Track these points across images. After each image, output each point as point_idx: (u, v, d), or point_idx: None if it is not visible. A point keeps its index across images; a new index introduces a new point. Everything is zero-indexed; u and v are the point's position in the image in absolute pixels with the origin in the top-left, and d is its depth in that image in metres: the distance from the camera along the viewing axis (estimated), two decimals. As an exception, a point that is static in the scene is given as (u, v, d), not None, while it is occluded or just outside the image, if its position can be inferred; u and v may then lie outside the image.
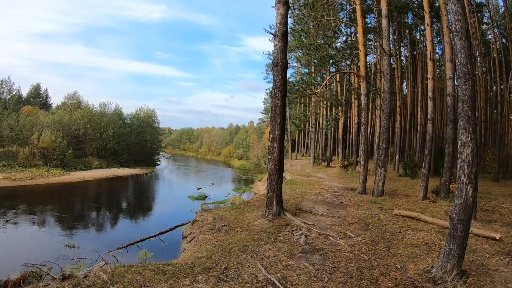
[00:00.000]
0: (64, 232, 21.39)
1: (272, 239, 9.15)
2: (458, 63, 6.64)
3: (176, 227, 16.98)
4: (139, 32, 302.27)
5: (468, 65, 6.54)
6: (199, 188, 44.04)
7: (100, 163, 54.68)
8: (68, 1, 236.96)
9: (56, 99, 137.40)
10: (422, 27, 32.97)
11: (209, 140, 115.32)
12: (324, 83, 17.43)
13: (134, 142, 63.70)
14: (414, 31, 34.15)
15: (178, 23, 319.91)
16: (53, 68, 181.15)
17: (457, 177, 6.67)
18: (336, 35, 19.81)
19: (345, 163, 31.64)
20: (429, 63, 16.78)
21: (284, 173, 32.55)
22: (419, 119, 33.03)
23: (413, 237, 9.86)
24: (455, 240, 6.59)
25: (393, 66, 29.20)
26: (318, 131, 42.02)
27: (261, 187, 33.61)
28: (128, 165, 59.62)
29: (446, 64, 16.76)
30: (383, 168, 16.88)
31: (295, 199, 14.98)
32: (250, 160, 73.44)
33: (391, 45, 19.27)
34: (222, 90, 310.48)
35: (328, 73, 26.88)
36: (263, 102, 65.13)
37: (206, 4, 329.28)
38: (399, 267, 7.40)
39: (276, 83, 11.09)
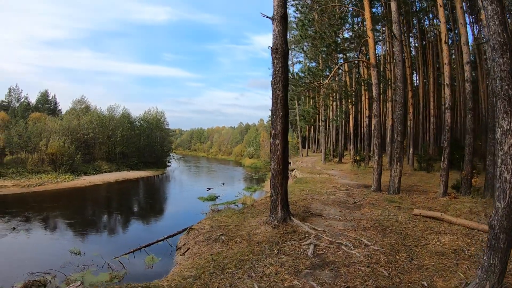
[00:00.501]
0: (72, 237, 20.87)
1: (275, 251, 7.93)
2: (491, 32, 5.32)
3: (184, 230, 14.95)
4: (145, 35, 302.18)
5: (504, 34, 5.22)
6: (210, 189, 43.32)
7: (109, 167, 54.15)
8: (74, 6, 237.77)
9: (65, 105, 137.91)
10: (430, 15, 31.48)
11: (219, 140, 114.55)
12: (332, 74, 16.11)
13: (144, 144, 63.03)
14: (422, 21, 32.55)
15: (184, 24, 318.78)
16: (61, 74, 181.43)
17: (498, 174, 5.31)
18: (342, 21, 18.44)
19: (357, 158, 30.26)
20: (444, 47, 15.32)
21: (294, 171, 31.38)
22: (431, 110, 31.49)
23: (438, 243, 8.56)
24: (496, 252, 5.26)
25: (403, 55, 27.72)
26: (329, 126, 40.63)
27: None
28: (138, 167, 59.00)
29: (462, 48, 15.39)
30: (399, 163, 15.53)
31: (304, 201, 13.71)
32: (261, 159, 72.33)
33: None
34: (231, 89, 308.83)
35: (336, 63, 25.42)
36: (271, 98, 63.68)
37: (211, 4, 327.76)
38: (426, 285, 6.11)
39: (276, 72, 9.83)
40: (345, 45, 22.51)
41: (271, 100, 10.03)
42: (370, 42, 16.48)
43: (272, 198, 10.06)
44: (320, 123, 40.45)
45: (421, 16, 32.00)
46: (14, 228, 21.95)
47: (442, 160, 15.20)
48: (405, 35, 31.24)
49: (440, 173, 15.33)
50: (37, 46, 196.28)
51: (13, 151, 46.67)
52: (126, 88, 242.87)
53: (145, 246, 14.42)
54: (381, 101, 33.65)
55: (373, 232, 9.41)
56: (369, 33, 16.52)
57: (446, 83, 14.95)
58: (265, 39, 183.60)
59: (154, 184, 52.02)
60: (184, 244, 10.33)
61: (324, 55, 26.49)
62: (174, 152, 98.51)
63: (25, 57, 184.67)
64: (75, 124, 52.72)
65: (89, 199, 36.92)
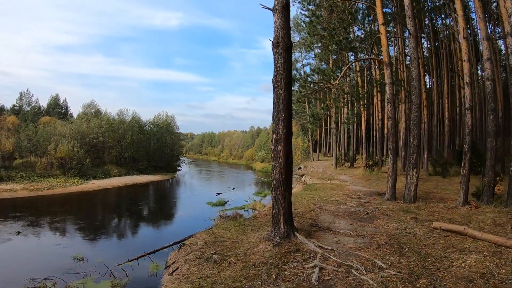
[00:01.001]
0: (77, 242, 20.39)
1: (274, 275, 6.80)
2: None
3: (191, 236, 14.81)
4: (157, 40, 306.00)
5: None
6: (219, 193, 42.67)
7: (119, 171, 53.84)
8: (86, 13, 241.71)
9: (77, 109, 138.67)
10: (443, 15, 30.14)
11: (230, 144, 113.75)
12: (342, 73, 14.83)
13: (153, 148, 62.62)
14: (435, 20, 31.20)
15: (196, 29, 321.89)
16: (74, 79, 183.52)
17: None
18: (352, 17, 17.23)
19: (370, 163, 28.85)
20: (463, 43, 13.93)
21: (304, 177, 30.14)
22: (446, 113, 30.10)
23: (463, 264, 7.35)
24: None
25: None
26: (340, 129, 39.32)
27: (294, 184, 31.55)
28: (148, 171, 58.52)
29: (482, 43, 14.13)
30: (415, 170, 14.26)
31: (312, 212, 12.51)
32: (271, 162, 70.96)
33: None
34: (242, 93, 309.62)
35: (346, 62, 24.10)
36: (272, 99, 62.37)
37: (222, 9, 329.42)
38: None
39: (278, 69, 8.69)
40: (356, 43, 21.15)
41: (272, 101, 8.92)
42: (383, 39, 15.24)
43: (273, 211, 8.91)
44: (332, 126, 39.14)
45: (433, 16, 30.72)
46: (19, 232, 21.76)
47: (463, 166, 13.87)
48: (418, 35, 29.94)
49: (460, 180, 14.02)
50: (50, 52, 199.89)
51: (23, 154, 46.67)
52: (138, 92, 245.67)
53: (149, 253, 14.06)
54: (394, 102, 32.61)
55: (388, 251, 8.20)
56: (381, 29, 15.28)
57: (466, 82, 13.61)
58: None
59: (163, 189, 51.32)
60: (174, 262, 9.26)
61: (334, 55, 25.28)
62: (185, 156, 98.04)
63: (39, 62, 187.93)
64: (84, 128, 52.66)
65: (97, 203, 36.60)
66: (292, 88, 16.31)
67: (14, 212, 29.06)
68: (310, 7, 19.79)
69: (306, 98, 22.24)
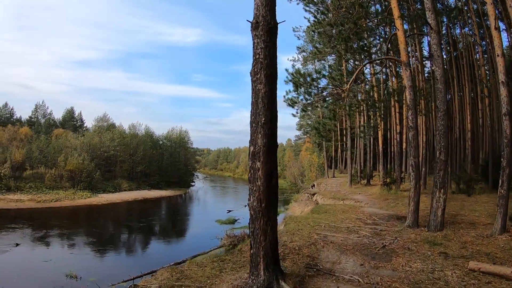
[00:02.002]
0: (73, 258, 20.20)
1: None
2: None
3: (152, 272, 14.01)
4: (176, 56, 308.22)
5: None
6: (230, 211, 40.83)
7: (129, 185, 52.55)
8: (106, 29, 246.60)
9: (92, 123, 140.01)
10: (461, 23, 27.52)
11: (246, 160, 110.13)
12: (354, 76, 12.21)
13: (166, 163, 61.02)
14: (453, 30, 28.59)
15: (214, 45, 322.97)
16: (94, 94, 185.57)
17: None
18: (363, 10, 14.71)
19: (387, 180, 25.78)
20: (495, 34, 11.06)
21: (315, 196, 27.25)
22: (468, 124, 27.07)
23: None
24: None
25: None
26: (356, 144, 36.49)
27: (296, 208, 29.08)
28: (160, 187, 57.03)
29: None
30: (442, 190, 11.48)
31: (312, 246, 9.70)
32: (286, 179, 68.21)
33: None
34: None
35: (359, 63, 21.28)
36: (293, 114, 60.13)
37: (240, 25, 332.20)
38: None
39: (257, 56, 6.25)
40: (369, 42, 18.71)
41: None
42: (400, 35, 12.68)
43: (251, 251, 6.33)
44: (346, 139, 36.04)
45: (451, 26, 28.34)
46: (17, 244, 21.79)
47: (500, 184, 10.95)
48: (440, 30, 27.55)
49: (497, 201, 11.13)
50: (70, 66, 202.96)
51: (33, 165, 46.15)
52: (157, 108, 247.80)
53: (147, 274, 13.08)
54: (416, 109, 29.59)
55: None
56: (398, 24, 12.75)
57: (502, 81, 10.78)
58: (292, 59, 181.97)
59: (174, 204, 49.69)
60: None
61: (344, 59, 22.71)
62: (198, 171, 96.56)
63: (59, 77, 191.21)
64: (96, 141, 51.81)
65: (103, 217, 35.65)
66: (296, 96, 13.99)
67: (18, 223, 28.65)
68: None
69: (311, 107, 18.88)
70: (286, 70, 13.48)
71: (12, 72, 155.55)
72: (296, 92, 13.51)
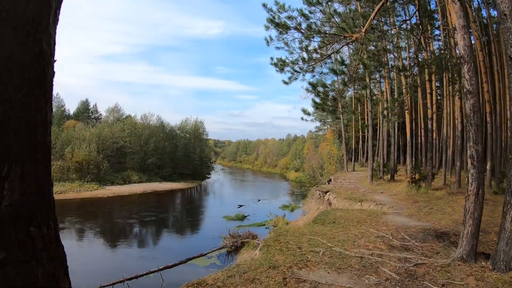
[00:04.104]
0: None
1: None
2: None
3: (190, 259, 16.36)
4: (199, 49, 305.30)
5: None
6: (241, 206, 36.67)
7: (139, 177, 48.79)
8: (129, 23, 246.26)
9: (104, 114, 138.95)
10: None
11: (265, 152, 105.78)
12: (372, 16, 7.31)
13: (180, 154, 56.78)
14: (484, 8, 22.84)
15: (237, 37, 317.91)
16: (119, 87, 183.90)
17: None
18: None
19: (416, 177, 20.37)
20: None
21: (328, 195, 22.12)
22: (508, 112, 21.33)
23: None
24: None
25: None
26: (379, 134, 31.02)
27: (313, 204, 24.80)
28: (172, 179, 52.93)
29: None
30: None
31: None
32: (305, 172, 63.07)
33: None
34: (283, 101, 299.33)
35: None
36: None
37: (263, 17, 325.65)
38: None
39: None
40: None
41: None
42: None
43: None
44: (368, 126, 30.19)
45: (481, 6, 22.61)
46: None
47: None
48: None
49: None
50: (95, 61, 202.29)
51: None
52: (181, 101, 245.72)
53: (130, 279, 13.06)
54: (446, 94, 23.82)
55: None
56: None
57: None
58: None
59: (184, 198, 45.67)
60: None
61: None
62: (217, 163, 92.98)
63: (85, 71, 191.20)
64: (107, 132, 48.33)
65: (105, 211, 32.35)
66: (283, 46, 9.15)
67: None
68: None
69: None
70: (264, 5, 8.41)
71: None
72: (281, 41, 8.67)
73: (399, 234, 9.83)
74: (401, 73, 17.71)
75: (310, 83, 8.77)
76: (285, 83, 9.20)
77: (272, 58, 9.25)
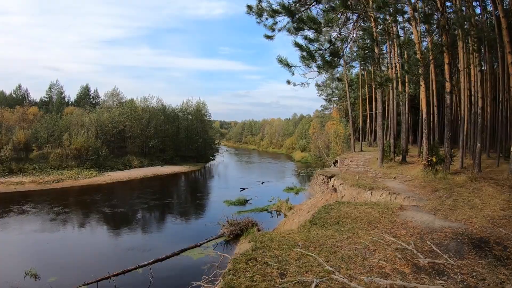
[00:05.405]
0: (40, 249, 17.31)
1: None
2: None
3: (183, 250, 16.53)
4: (202, 30, 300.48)
5: None
6: (243, 189, 35.72)
7: (140, 162, 47.00)
8: (131, 6, 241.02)
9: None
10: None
11: (270, 132, 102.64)
12: None
13: (182, 137, 54.61)
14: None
15: (240, 17, 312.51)
16: (122, 71, 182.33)
17: None
18: None
19: (433, 159, 17.56)
20: None
21: (333, 180, 19.15)
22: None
23: None
24: None
25: None
26: (389, 111, 28.10)
27: (317, 187, 22.79)
28: (174, 162, 51.04)
29: None
30: None
31: None
32: (311, 152, 60.63)
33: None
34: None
35: None
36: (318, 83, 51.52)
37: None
38: None
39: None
40: None
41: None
42: None
43: None
44: (377, 95, 26.79)
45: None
46: None
47: None
48: None
49: None
50: (98, 46, 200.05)
51: (41, 146, 41.70)
52: (185, 82, 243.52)
53: (116, 275, 12.96)
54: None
55: None
56: None
57: None
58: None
59: (186, 182, 43.88)
60: None
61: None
62: (223, 144, 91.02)
63: (87, 57, 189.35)
64: (105, 117, 46.40)
65: (100, 199, 30.93)
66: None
67: (11, 207, 26.06)
68: None
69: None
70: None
71: (40, 56, 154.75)
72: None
73: (424, 243, 7.26)
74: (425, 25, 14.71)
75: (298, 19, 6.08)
76: (268, 37, 6.70)
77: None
